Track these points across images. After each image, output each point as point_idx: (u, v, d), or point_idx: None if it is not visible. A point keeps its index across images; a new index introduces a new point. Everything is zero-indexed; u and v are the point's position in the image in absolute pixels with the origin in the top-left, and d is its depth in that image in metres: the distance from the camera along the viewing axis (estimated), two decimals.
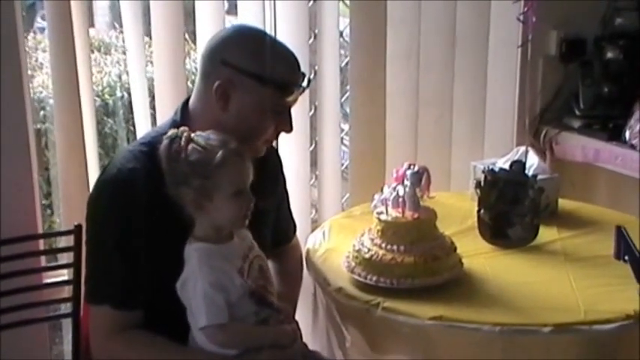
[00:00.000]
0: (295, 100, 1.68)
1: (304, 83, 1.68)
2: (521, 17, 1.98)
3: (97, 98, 3.53)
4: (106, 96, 3.56)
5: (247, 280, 1.54)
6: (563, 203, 2.32)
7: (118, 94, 3.56)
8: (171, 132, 1.54)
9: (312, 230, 2.32)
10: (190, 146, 1.50)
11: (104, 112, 3.50)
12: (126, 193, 1.57)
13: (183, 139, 1.51)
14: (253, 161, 1.61)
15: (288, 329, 1.59)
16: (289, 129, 1.71)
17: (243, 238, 1.59)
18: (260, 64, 1.61)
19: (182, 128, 1.54)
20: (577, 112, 2.78)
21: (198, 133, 1.53)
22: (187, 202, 1.51)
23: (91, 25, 3.46)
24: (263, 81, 1.60)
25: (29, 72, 2.98)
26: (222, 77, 1.61)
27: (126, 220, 1.56)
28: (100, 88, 3.55)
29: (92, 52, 3.87)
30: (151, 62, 2.42)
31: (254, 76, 1.60)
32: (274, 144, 1.91)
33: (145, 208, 1.56)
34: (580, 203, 2.39)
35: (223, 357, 1.53)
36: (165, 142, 1.52)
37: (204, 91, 1.65)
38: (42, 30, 3.96)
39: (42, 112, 3.26)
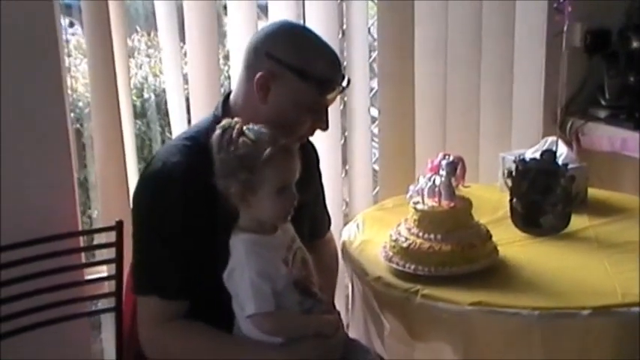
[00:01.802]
0: (334, 100, 1.70)
1: (344, 83, 1.70)
2: (558, 6, 2.00)
3: None
4: (134, 97, 3.61)
5: (292, 270, 1.57)
6: (592, 192, 2.35)
7: (145, 95, 3.62)
8: (225, 122, 1.56)
9: (345, 224, 2.36)
10: (241, 139, 1.51)
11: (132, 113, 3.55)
12: (170, 187, 1.59)
13: (235, 130, 1.52)
14: None
15: (331, 319, 1.62)
16: (325, 127, 1.72)
17: (285, 230, 1.62)
18: (302, 59, 1.63)
19: (236, 119, 1.56)
20: (603, 103, 2.81)
21: (250, 125, 1.55)
22: (233, 193, 1.53)
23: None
24: (304, 76, 1.62)
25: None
26: (264, 69, 1.63)
27: (171, 212, 1.59)
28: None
29: (128, 54, 3.97)
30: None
31: (295, 70, 1.62)
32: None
33: (190, 201, 1.58)
34: (609, 192, 2.42)
35: (269, 344, 1.56)
36: (217, 131, 1.54)
37: (246, 84, 1.67)
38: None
39: (72, 114, 3.31)
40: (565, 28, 2.04)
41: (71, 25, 3.74)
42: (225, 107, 1.73)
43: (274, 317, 1.52)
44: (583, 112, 2.84)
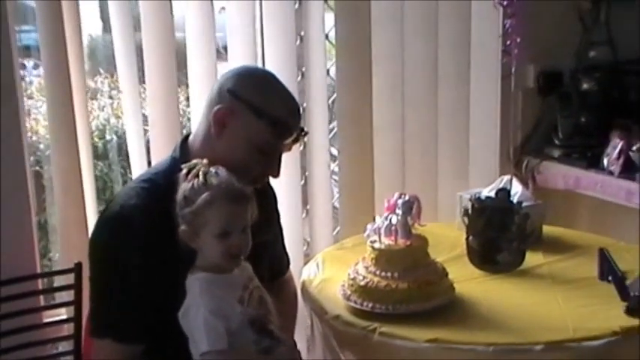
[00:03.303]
0: (288, 148, 1.73)
1: (302, 133, 1.73)
2: (505, 48, 2.06)
3: None
4: (96, 139, 3.62)
5: (247, 309, 1.57)
6: (547, 229, 2.39)
7: (107, 137, 3.62)
8: (193, 162, 1.58)
9: (305, 263, 2.37)
10: (195, 180, 1.54)
11: (94, 155, 3.54)
12: (127, 230, 1.61)
13: (197, 170, 1.55)
14: None
15: (287, 358, 1.62)
16: (276, 174, 1.74)
17: (242, 270, 1.63)
18: (261, 98, 1.66)
19: (204, 161, 1.57)
20: (557, 142, 2.86)
21: (215, 169, 1.56)
22: (181, 232, 1.55)
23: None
24: (260, 114, 1.65)
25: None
26: (223, 103, 1.66)
27: (127, 256, 1.60)
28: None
29: (87, 95, 3.97)
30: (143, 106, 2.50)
31: (253, 108, 1.65)
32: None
33: (147, 244, 1.59)
34: (563, 229, 2.46)
35: None
36: (183, 170, 1.57)
37: (205, 120, 1.70)
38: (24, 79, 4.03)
39: (31, 157, 3.30)
40: (513, 70, 2.10)
41: (36, 67, 3.75)
42: (184, 148, 1.75)
43: (227, 355, 1.51)
44: (538, 151, 2.89)
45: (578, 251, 2.24)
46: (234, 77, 1.71)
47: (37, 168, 3.17)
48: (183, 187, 1.55)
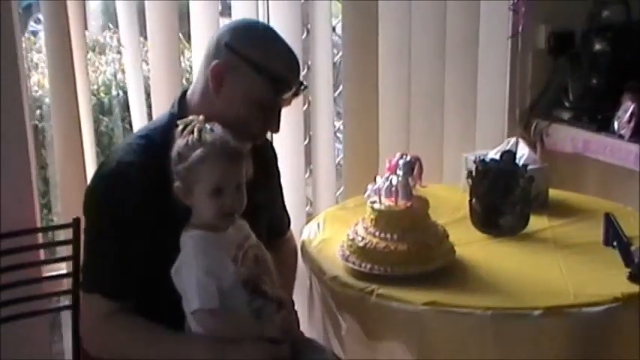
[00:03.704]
0: (288, 102, 1.69)
1: (300, 87, 1.69)
2: (512, 7, 2.01)
3: (92, 97, 3.58)
4: (101, 94, 3.60)
5: (240, 269, 1.55)
6: (554, 193, 2.36)
7: (114, 92, 3.60)
8: (189, 118, 1.56)
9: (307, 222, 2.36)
10: (190, 136, 1.52)
11: (99, 110, 3.53)
12: (122, 187, 1.60)
13: (192, 127, 1.53)
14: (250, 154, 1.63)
15: (279, 324, 1.58)
16: (276, 129, 1.71)
17: (238, 228, 1.61)
18: (260, 54, 1.63)
19: (200, 117, 1.55)
20: (566, 105, 2.82)
21: (210, 125, 1.54)
22: (176, 189, 1.53)
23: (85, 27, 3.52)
24: (259, 70, 1.62)
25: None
26: (221, 58, 1.63)
27: (121, 213, 1.59)
28: (95, 86, 3.59)
29: (87, 52, 3.94)
30: (146, 61, 2.46)
31: (252, 63, 1.62)
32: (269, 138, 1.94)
33: (142, 201, 1.58)
34: (570, 193, 2.43)
35: (208, 340, 1.53)
36: (179, 127, 1.55)
37: (203, 75, 1.67)
38: (35, 33, 4.01)
39: (38, 111, 3.29)
40: (520, 29, 2.05)
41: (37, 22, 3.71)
42: (182, 104, 1.73)
43: (217, 314, 1.51)
44: (547, 114, 2.85)
45: (583, 216, 2.22)
46: (233, 31, 1.68)
47: (44, 123, 3.16)
48: (178, 144, 1.54)
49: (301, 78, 1.73)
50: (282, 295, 1.67)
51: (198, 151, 1.50)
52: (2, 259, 2.03)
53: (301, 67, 1.78)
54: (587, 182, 2.74)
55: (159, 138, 1.65)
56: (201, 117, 1.56)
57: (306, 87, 1.73)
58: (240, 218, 1.62)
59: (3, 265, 2.04)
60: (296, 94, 1.70)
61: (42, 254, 2.25)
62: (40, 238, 2.28)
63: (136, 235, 1.58)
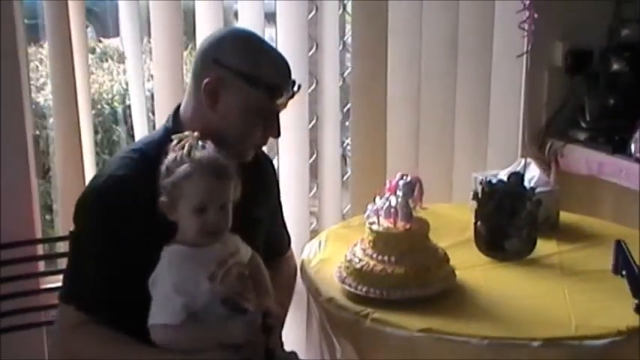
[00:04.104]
0: (284, 105, 1.68)
1: (294, 88, 1.67)
2: (520, 25, 1.97)
3: (106, 106, 3.57)
4: (115, 104, 3.58)
5: (218, 286, 1.52)
6: (565, 216, 2.29)
7: (127, 102, 3.58)
8: (186, 133, 1.55)
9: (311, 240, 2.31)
10: (179, 152, 1.51)
11: (113, 120, 3.52)
12: (111, 202, 1.57)
13: (184, 142, 1.52)
14: (248, 170, 1.61)
15: (240, 329, 1.52)
16: (277, 134, 1.70)
17: (225, 244, 1.58)
18: (250, 65, 1.61)
19: (195, 133, 1.54)
20: (582, 125, 2.76)
21: (202, 143, 1.53)
22: (161, 203, 1.51)
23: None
24: (252, 81, 1.60)
25: (43, 80, 3.05)
26: (212, 75, 1.61)
27: (108, 226, 1.57)
28: (110, 96, 3.58)
29: (106, 60, 3.93)
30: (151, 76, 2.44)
31: (243, 76, 1.60)
32: (269, 154, 1.90)
33: (130, 215, 1.56)
34: (582, 216, 2.36)
35: (170, 350, 1.51)
36: (174, 141, 1.54)
37: (195, 92, 1.65)
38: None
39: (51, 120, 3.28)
40: (529, 48, 2.00)
41: None
42: (176, 119, 1.71)
43: (175, 331, 1.48)
44: (563, 134, 2.79)
45: (595, 241, 2.14)
46: (218, 45, 1.65)
47: (49, 131, 3.15)
48: (168, 158, 1.53)
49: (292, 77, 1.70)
50: (271, 308, 1.62)
51: (185, 167, 1.49)
52: (1, 269, 2.02)
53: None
54: (602, 206, 2.66)
55: (153, 152, 1.62)
56: (196, 133, 1.55)
57: (299, 86, 1.70)
58: (232, 233, 1.59)
59: (2, 276, 2.02)
60: (292, 97, 1.68)
61: (42, 266, 2.23)
62: (41, 249, 2.27)
63: (120, 248, 1.56)
